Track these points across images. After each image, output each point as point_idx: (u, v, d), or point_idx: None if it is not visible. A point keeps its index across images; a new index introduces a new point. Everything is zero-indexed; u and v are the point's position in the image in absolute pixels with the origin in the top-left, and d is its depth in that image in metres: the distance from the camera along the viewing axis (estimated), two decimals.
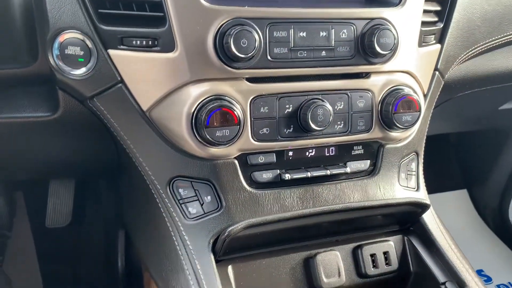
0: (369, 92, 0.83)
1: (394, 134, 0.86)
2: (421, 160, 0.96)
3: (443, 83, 0.97)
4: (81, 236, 1.52)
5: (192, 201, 0.78)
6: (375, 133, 0.85)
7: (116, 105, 0.78)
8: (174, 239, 0.77)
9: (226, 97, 0.74)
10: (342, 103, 0.82)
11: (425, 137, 0.97)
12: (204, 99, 0.74)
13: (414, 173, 0.93)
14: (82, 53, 0.75)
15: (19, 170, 1.09)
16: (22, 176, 1.21)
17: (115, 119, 0.79)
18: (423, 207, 0.86)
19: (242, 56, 0.72)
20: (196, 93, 0.74)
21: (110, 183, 1.37)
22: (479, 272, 1.71)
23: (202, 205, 0.78)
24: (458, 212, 1.90)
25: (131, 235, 1.03)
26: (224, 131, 0.74)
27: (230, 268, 0.78)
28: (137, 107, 0.77)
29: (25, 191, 1.55)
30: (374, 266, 0.85)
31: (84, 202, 1.54)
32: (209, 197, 0.79)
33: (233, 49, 0.72)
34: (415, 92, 0.85)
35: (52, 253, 1.52)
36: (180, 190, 0.79)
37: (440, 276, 0.83)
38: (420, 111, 0.85)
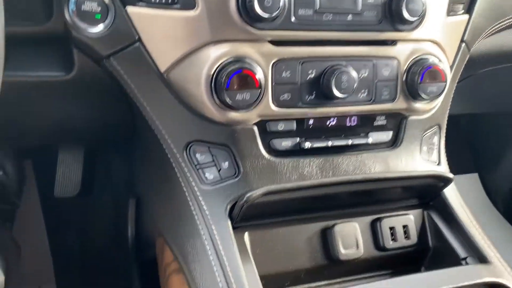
0: (395, 60, 0.80)
1: (418, 105, 0.84)
2: (443, 134, 0.93)
3: (468, 56, 0.94)
4: (90, 205, 1.51)
5: (209, 166, 0.76)
6: (400, 104, 0.82)
7: (133, 66, 0.75)
8: (191, 204, 0.75)
9: (247, 60, 0.72)
10: (367, 70, 0.79)
11: (448, 111, 0.94)
12: (224, 61, 0.71)
13: (436, 147, 0.91)
14: (99, 9, 0.72)
15: (29, 135, 1.07)
16: (31, 141, 1.19)
17: (131, 80, 0.77)
18: (446, 181, 0.83)
19: (266, 16, 0.69)
20: (216, 54, 0.71)
21: (121, 151, 1.35)
22: None
23: (219, 171, 0.76)
24: (468, 196, 1.88)
25: (144, 203, 1.02)
26: (244, 94, 0.71)
27: (246, 235, 0.77)
28: (154, 68, 0.74)
29: (34, 159, 1.53)
30: (393, 240, 0.83)
31: (93, 172, 1.53)
32: (226, 163, 0.76)
33: (257, 8, 0.68)
34: (442, 62, 0.82)
35: (61, 222, 1.51)
36: (197, 155, 0.77)
37: (461, 251, 0.81)
38: (446, 81, 0.82)
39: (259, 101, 0.73)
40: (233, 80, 0.70)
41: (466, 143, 1.95)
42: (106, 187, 1.50)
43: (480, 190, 1.93)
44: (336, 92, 0.75)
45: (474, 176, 1.95)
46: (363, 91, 0.79)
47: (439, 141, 0.92)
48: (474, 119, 1.89)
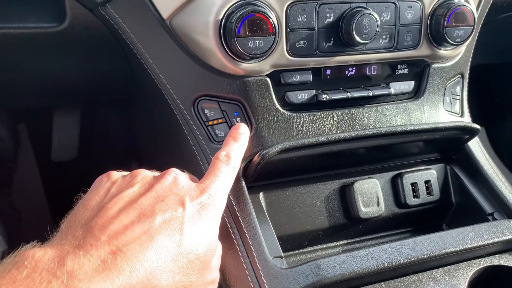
0: (419, 2, 0.73)
1: (442, 51, 0.77)
2: (466, 84, 0.87)
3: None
4: (89, 169, 1.46)
5: (219, 123, 0.71)
6: (423, 50, 0.76)
7: (131, 12, 0.68)
8: (201, 163, 0.70)
9: (259, 2, 0.64)
10: (389, 13, 0.72)
11: (470, 59, 0.88)
12: (233, 4, 0.64)
13: (458, 97, 0.85)
14: None
15: (22, 94, 1.00)
16: (25, 102, 1.12)
17: (131, 29, 0.70)
18: (472, 132, 0.78)
19: None
20: None
21: (121, 112, 1.28)
22: None
23: (230, 127, 0.70)
24: None
25: (147, 165, 0.96)
26: (257, 41, 0.64)
27: (261, 195, 0.72)
28: (156, 14, 0.67)
29: (28, 123, 1.47)
30: (414, 196, 0.79)
31: (92, 135, 1.46)
32: (238, 119, 0.71)
33: None
34: (469, 3, 0.75)
35: (59, 186, 1.47)
36: (206, 111, 0.70)
37: (487, 207, 0.77)
38: (474, 25, 0.75)
39: (273, 49, 0.66)
40: (244, 24, 0.63)
41: (472, 97, 1.90)
42: (106, 150, 1.44)
43: (486, 144, 1.89)
44: (357, 38, 0.68)
45: (481, 130, 1.90)
46: (384, 36, 0.73)
47: (462, 91, 0.86)
48: (481, 70, 1.82)
